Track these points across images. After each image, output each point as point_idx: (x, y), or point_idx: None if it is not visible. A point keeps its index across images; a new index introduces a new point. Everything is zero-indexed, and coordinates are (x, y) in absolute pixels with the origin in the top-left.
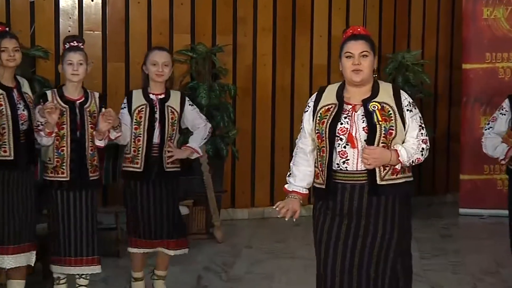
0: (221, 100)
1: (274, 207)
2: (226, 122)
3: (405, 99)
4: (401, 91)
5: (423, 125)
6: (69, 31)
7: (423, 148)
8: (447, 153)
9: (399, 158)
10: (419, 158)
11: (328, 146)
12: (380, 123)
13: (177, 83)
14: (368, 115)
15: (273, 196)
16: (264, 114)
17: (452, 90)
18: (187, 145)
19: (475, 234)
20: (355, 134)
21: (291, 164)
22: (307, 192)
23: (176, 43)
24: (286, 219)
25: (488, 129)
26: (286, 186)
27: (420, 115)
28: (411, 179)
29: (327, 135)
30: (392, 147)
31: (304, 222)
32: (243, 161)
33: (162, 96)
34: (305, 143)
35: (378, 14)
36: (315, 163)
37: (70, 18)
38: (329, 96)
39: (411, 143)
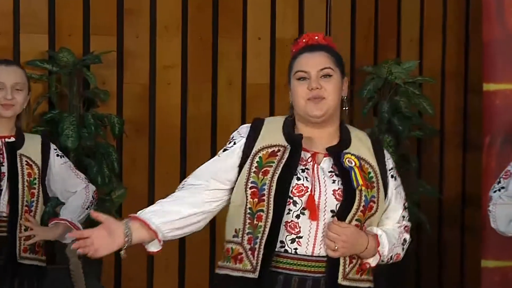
0: (99, 141)
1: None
2: (107, 176)
3: (389, 158)
4: (383, 147)
5: (406, 204)
6: None
7: (405, 240)
8: (461, 225)
9: (378, 249)
10: (399, 254)
11: (272, 212)
12: (362, 189)
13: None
14: (343, 172)
15: None
16: (169, 163)
17: (467, 124)
18: (60, 217)
19: None
20: (319, 199)
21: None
22: (155, 230)
23: (25, 48)
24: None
25: (499, 190)
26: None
27: (402, 188)
28: (372, 285)
29: (273, 193)
30: (366, 230)
31: None
32: None
33: (11, 139)
34: (203, 188)
35: (350, 5)
36: (237, 235)
37: None
38: (272, 133)
39: (392, 229)
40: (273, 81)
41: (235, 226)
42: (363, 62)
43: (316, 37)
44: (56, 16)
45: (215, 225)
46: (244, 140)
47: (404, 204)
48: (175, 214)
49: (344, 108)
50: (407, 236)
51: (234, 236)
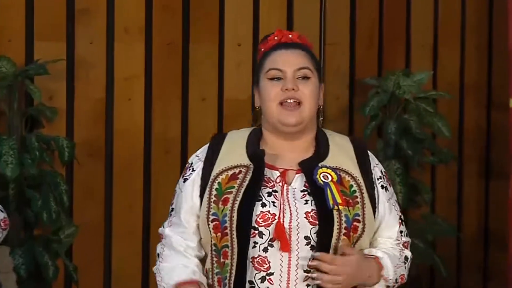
0: (45, 169)
1: None
2: (55, 211)
3: (376, 165)
4: (368, 151)
5: (402, 217)
6: None
7: (406, 258)
8: (483, 269)
9: (382, 273)
10: (403, 275)
11: (237, 247)
12: (340, 208)
13: None
14: (316, 191)
15: None
16: (131, 195)
17: (490, 148)
18: None
19: None
20: (290, 225)
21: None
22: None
23: None
24: None
25: None
26: None
27: (396, 198)
28: None
29: (235, 226)
30: (365, 254)
31: None
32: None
33: None
34: (183, 235)
35: (349, 5)
36: (208, 276)
37: None
38: (233, 151)
39: (391, 249)
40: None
41: (206, 265)
42: (365, 73)
43: (290, 36)
44: None
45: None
46: (201, 164)
47: (400, 217)
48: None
49: (319, 119)
50: (408, 253)
51: (207, 279)
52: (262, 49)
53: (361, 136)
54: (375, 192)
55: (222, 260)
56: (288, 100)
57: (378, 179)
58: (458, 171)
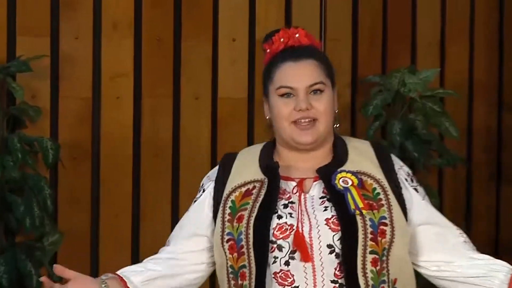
0: (27, 172)
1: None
2: (38, 217)
3: (402, 167)
4: (391, 154)
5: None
6: None
7: None
8: None
9: None
10: None
11: (255, 264)
12: (363, 212)
13: None
14: (336, 196)
15: None
16: (119, 200)
17: (502, 151)
18: None
19: None
20: (310, 234)
21: None
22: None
23: None
24: None
25: None
26: None
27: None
28: None
29: (251, 242)
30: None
31: None
32: None
33: None
34: (183, 252)
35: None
36: None
37: None
38: (246, 167)
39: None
40: (252, 95)
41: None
42: (368, 71)
43: (297, 35)
44: None
45: None
46: (213, 184)
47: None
48: (157, 272)
49: (336, 126)
50: None
51: None
52: (268, 50)
53: (364, 137)
54: (403, 192)
55: (240, 282)
56: (302, 120)
57: (406, 180)
58: (467, 174)
